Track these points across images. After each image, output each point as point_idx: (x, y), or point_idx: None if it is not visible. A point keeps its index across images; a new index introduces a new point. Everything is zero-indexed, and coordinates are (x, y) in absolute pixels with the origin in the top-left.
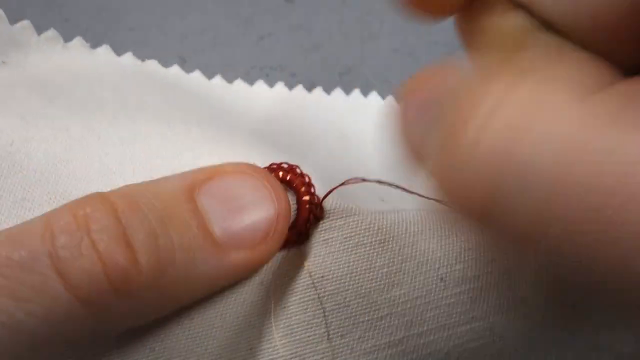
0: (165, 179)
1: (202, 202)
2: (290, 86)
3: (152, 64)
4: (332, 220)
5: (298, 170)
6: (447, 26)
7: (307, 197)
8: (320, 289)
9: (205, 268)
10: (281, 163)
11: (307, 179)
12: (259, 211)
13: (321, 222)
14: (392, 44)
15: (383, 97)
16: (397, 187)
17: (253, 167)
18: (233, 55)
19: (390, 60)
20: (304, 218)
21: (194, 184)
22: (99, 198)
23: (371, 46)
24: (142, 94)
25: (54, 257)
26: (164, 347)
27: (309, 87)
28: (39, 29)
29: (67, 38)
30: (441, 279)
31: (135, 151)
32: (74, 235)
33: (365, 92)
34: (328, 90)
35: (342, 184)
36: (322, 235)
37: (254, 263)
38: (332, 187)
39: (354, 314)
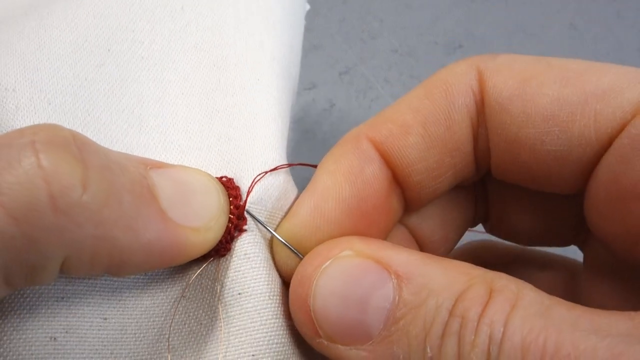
0: (118, 152)
1: (152, 177)
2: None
3: None
4: (255, 234)
5: (233, 182)
6: (447, 26)
7: (231, 206)
8: (237, 306)
9: (147, 227)
10: (222, 177)
11: (237, 192)
12: (205, 197)
13: (244, 234)
14: (392, 44)
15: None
16: (308, 165)
17: (199, 169)
18: None
19: (390, 60)
20: (227, 228)
21: (146, 162)
22: (51, 125)
23: (371, 46)
24: None
25: None
26: (67, 340)
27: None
28: None
29: None
30: None
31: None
32: (13, 144)
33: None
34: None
35: (254, 183)
36: (244, 248)
37: (193, 247)
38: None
39: (269, 334)
